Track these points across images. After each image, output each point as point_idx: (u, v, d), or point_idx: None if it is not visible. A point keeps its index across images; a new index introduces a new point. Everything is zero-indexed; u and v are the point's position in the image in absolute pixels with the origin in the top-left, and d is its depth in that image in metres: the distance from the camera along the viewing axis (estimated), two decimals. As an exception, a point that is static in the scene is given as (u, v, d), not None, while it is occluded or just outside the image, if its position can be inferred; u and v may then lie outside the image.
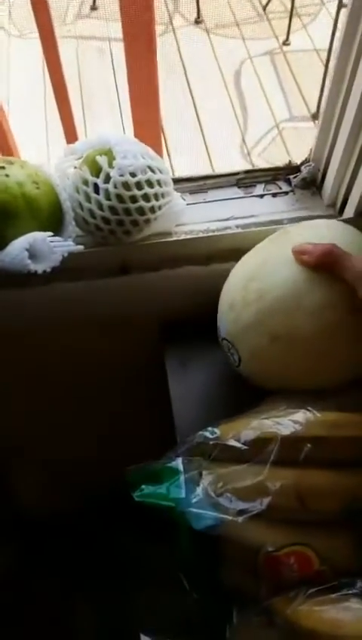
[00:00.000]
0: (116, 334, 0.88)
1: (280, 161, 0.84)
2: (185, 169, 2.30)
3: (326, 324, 0.59)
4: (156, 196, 0.68)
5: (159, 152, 1.93)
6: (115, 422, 1.07)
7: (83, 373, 0.96)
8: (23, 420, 1.09)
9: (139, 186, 0.66)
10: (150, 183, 0.67)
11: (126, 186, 0.65)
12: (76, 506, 1.36)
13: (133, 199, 0.66)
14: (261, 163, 2.48)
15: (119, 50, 1.61)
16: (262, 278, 0.62)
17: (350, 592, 0.52)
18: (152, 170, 0.67)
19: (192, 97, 2.66)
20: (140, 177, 0.65)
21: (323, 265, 0.57)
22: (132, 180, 0.65)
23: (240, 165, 2.42)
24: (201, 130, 2.55)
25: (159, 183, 0.68)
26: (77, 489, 1.30)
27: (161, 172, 0.68)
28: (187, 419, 0.75)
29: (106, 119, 2.57)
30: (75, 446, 1.13)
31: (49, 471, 1.30)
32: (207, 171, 0.83)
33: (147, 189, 0.66)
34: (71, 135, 1.90)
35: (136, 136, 1.87)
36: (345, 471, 0.57)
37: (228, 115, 2.66)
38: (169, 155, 2.33)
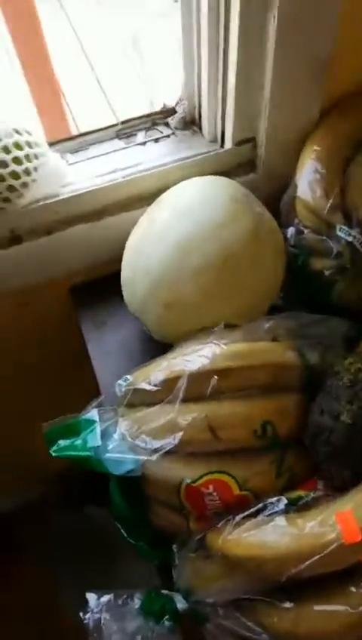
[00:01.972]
0: (25, 308, 0.85)
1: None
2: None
3: (206, 283, 0.63)
4: (28, 158, 0.67)
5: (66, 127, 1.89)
6: (49, 394, 1.04)
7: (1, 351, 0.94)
8: None
9: (6, 149, 0.64)
10: (18, 146, 0.65)
11: (-7, 151, 0.64)
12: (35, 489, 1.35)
13: (3, 164, 0.65)
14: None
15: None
16: (145, 255, 0.66)
17: (274, 510, 0.53)
18: (19, 133, 0.66)
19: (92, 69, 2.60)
20: (6, 141, 0.64)
21: None
22: (-2, 145, 0.64)
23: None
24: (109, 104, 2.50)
25: (29, 144, 0.67)
26: (28, 470, 1.26)
27: (29, 133, 0.67)
28: (110, 378, 0.73)
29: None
30: (9, 427, 1.10)
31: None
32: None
33: (16, 152, 0.65)
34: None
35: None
36: (254, 398, 0.57)
37: (131, 80, 2.61)
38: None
